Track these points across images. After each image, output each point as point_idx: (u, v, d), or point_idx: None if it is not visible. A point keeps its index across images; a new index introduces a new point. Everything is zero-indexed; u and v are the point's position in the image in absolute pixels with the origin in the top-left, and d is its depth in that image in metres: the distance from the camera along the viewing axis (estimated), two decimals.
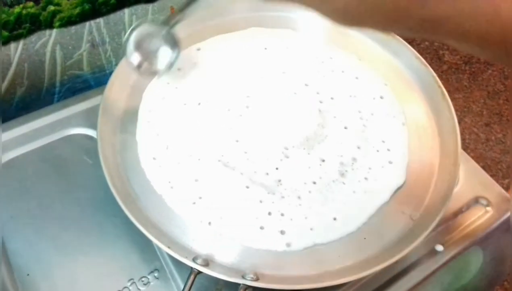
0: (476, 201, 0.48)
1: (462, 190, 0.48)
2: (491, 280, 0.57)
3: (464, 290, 0.52)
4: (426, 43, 1.07)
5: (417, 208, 0.43)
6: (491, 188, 0.49)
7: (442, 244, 0.45)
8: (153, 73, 0.47)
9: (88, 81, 0.63)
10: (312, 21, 0.56)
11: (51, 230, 0.44)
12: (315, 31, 0.55)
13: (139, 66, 0.45)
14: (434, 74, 0.50)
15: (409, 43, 0.53)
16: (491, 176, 0.51)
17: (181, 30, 0.53)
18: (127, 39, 0.45)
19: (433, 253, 0.44)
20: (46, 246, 0.43)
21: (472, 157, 0.52)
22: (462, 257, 0.47)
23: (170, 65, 0.46)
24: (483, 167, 0.51)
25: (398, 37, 0.53)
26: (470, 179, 0.49)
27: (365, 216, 0.42)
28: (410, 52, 0.52)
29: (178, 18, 0.44)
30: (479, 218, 0.47)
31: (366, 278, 0.41)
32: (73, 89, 0.63)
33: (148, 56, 0.45)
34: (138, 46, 0.45)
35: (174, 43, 0.46)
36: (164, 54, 0.46)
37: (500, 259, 0.54)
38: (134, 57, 0.44)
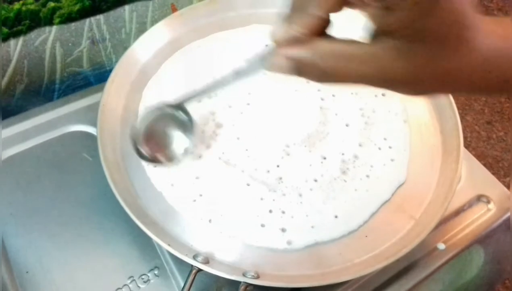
0: (478, 199, 0.48)
1: (464, 188, 0.48)
2: (492, 278, 0.57)
3: (466, 289, 0.52)
4: None
5: (418, 206, 0.43)
6: (493, 186, 0.49)
7: (444, 242, 0.44)
8: (169, 162, 0.41)
9: (88, 78, 0.63)
10: None
11: (50, 228, 0.43)
12: None
13: (152, 159, 0.40)
14: None
15: None
16: (493, 174, 0.50)
17: (181, 27, 0.54)
18: (135, 129, 0.40)
19: (435, 251, 0.44)
20: (46, 244, 0.42)
21: (474, 155, 0.52)
22: (464, 255, 0.46)
23: (187, 151, 0.41)
24: (485, 165, 0.51)
25: None
26: (472, 177, 0.49)
27: (366, 214, 0.42)
28: None
29: (189, 98, 0.39)
30: (481, 216, 0.47)
31: (367, 276, 0.41)
32: (73, 86, 0.62)
33: (161, 146, 0.40)
34: (149, 137, 0.40)
35: (188, 125, 0.41)
36: (179, 140, 0.41)
37: (501, 258, 0.54)
38: (146, 151, 0.39)
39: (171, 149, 0.41)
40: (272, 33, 0.26)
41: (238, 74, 0.30)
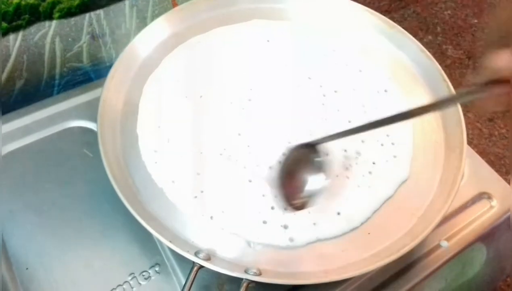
0: (480, 196, 0.47)
1: (467, 185, 0.47)
2: (494, 276, 0.57)
3: (468, 286, 0.52)
4: (429, 37, 1.07)
5: (421, 203, 0.42)
6: (496, 183, 0.49)
7: (447, 240, 0.44)
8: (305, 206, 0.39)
9: (88, 73, 0.63)
10: (315, 13, 0.55)
11: (51, 224, 0.43)
12: (317, 23, 0.55)
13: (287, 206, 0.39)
14: (440, 67, 0.49)
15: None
16: (495, 171, 0.50)
17: (182, 22, 0.53)
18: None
19: (438, 248, 0.44)
20: (46, 240, 0.42)
21: (475, 152, 0.52)
22: (467, 252, 0.46)
23: (319, 193, 0.39)
24: (487, 163, 0.51)
25: (403, 30, 0.53)
26: (475, 174, 0.49)
27: (369, 211, 0.41)
28: (415, 45, 0.51)
29: (327, 140, 0.37)
30: (484, 214, 0.47)
31: (369, 274, 0.41)
32: (72, 81, 0.62)
33: (297, 189, 0.39)
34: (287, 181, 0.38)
35: (320, 166, 0.39)
36: (314, 182, 0.39)
37: (503, 256, 0.54)
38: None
39: (305, 190, 0.39)
40: (490, 63, 0.23)
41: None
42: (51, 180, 0.46)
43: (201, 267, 0.35)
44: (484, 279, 0.54)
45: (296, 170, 0.39)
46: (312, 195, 0.39)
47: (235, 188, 0.41)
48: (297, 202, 0.39)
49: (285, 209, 0.40)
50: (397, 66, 0.51)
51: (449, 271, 0.46)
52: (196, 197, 0.41)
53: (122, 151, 0.43)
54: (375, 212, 0.42)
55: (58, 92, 0.62)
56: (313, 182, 0.39)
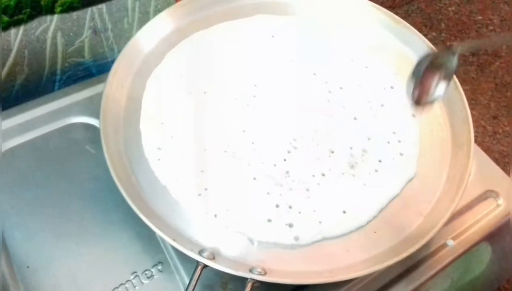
0: (487, 194, 0.47)
1: (474, 183, 0.47)
2: (499, 275, 0.56)
3: (473, 285, 0.51)
4: (433, 33, 1.06)
5: (428, 201, 0.42)
6: (503, 181, 0.48)
7: (453, 239, 0.43)
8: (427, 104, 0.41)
9: (90, 69, 0.62)
10: (320, 9, 0.54)
11: (52, 221, 0.43)
12: (322, 18, 0.54)
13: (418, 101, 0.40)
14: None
15: None
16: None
17: (185, 16, 0.52)
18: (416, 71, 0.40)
19: (444, 247, 0.43)
20: (47, 238, 0.42)
21: (481, 150, 0.51)
22: (472, 251, 0.46)
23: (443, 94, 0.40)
24: None
25: (409, 25, 0.52)
26: (482, 172, 0.48)
27: (375, 209, 0.41)
28: (421, 41, 0.50)
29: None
30: (490, 212, 0.46)
31: (375, 273, 0.40)
32: (74, 77, 0.61)
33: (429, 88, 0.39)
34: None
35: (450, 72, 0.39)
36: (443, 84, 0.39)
37: (508, 255, 0.53)
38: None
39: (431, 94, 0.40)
40: None
41: None
42: (53, 177, 0.45)
43: (205, 266, 0.35)
44: (489, 278, 0.54)
45: (431, 73, 0.40)
46: (435, 100, 0.40)
47: (240, 186, 0.41)
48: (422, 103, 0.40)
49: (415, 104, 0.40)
50: (403, 62, 0.51)
51: (454, 270, 0.45)
52: (200, 194, 0.40)
53: (125, 147, 0.43)
54: (381, 210, 0.41)
55: (60, 88, 0.61)
56: (440, 87, 0.39)
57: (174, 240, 0.35)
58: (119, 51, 0.49)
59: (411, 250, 0.37)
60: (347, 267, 0.37)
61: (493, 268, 0.52)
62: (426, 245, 0.39)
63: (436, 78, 0.40)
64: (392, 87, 0.49)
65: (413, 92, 0.40)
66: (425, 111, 0.45)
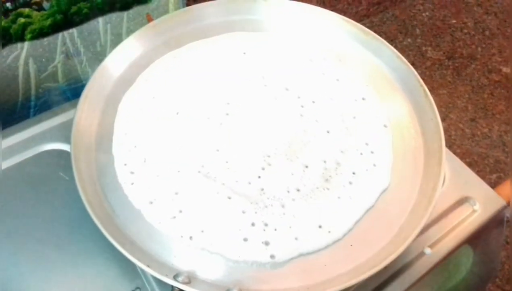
0: (463, 200, 0.47)
1: (449, 190, 0.47)
2: (483, 278, 0.57)
3: (456, 290, 0.52)
4: (409, 40, 1.07)
5: (403, 211, 0.42)
6: (478, 186, 0.49)
7: (430, 247, 0.44)
8: None
9: (65, 93, 0.62)
10: (290, 24, 0.55)
11: (27, 250, 0.42)
12: (293, 34, 0.54)
13: None
14: (416, 73, 0.49)
15: (392, 40, 0.52)
16: (478, 171, 0.50)
17: (156, 37, 0.52)
18: None
19: (422, 256, 0.43)
20: (22, 267, 0.41)
21: (459, 153, 0.52)
22: (452, 257, 0.46)
23: None
24: (470, 163, 0.51)
25: (378, 36, 0.52)
26: (457, 178, 0.49)
27: (351, 222, 0.41)
28: (391, 51, 0.51)
29: None
30: (467, 218, 0.47)
31: (353, 287, 0.40)
32: (49, 102, 0.61)
33: None
34: None
35: None
36: None
37: (491, 257, 0.54)
38: None
39: None
40: None
41: None
42: (27, 205, 0.45)
43: (181, 290, 0.35)
44: (473, 282, 0.54)
45: None
46: None
47: (214, 206, 0.41)
48: None
49: None
50: (374, 73, 0.51)
51: (435, 278, 0.45)
52: (174, 217, 0.40)
53: (98, 173, 0.43)
54: (356, 222, 0.41)
55: (35, 114, 0.61)
56: None
57: (148, 265, 0.35)
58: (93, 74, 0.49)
59: (387, 261, 0.37)
60: (324, 283, 0.37)
61: (476, 272, 0.52)
62: (403, 255, 0.39)
63: None
64: (363, 99, 0.49)
65: None
66: None
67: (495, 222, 0.48)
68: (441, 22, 1.15)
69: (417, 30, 1.10)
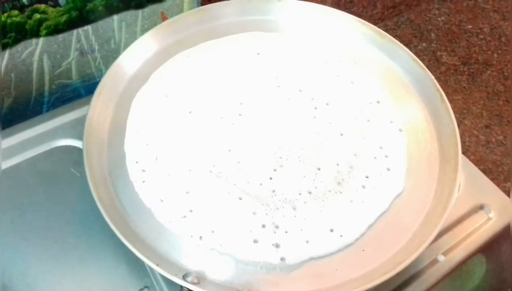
0: (478, 208, 0.46)
1: (464, 197, 0.46)
2: (495, 288, 0.56)
3: None
4: (424, 44, 1.06)
5: (417, 217, 0.41)
6: (493, 194, 0.48)
7: (444, 254, 0.43)
8: None
9: (78, 90, 0.62)
10: (305, 25, 0.55)
11: (36, 246, 0.42)
12: (307, 35, 0.54)
13: None
14: (432, 77, 0.48)
15: (406, 44, 0.51)
16: (492, 179, 0.49)
17: (170, 36, 0.52)
18: None
19: (435, 263, 0.42)
20: (31, 263, 0.41)
21: (473, 160, 0.51)
22: (465, 266, 0.45)
23: None
24: (484, 170, 0.50)
25: (394, 39, 0.52)
26: (472, 185, 0.48)
27: (363, 227, 0.40)
28: (407, 54, 0.50)
29: None
30: (482, 226, 0.46)
31: None
32: (62, 98, 0.61)
33: None
34: None
35: None
36: None
37: (504, 267, 0.52)
38: None
39: None
40: None
41: None
42: (38, 201, 0.45)
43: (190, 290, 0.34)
44: None
45: None
46: None
47: (225, 206, 0.40)
48: None
49: None
50: (389, 76, 0.51)
51: (447, 286, 0.44)
52: (185, 216, 0.40)
53: (109, 170, 0.42)
54: (369, 227, 0.40)
55: (48, 110, 0.61)
56: None
57: (157, 264, 0.35)
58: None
59: (400, 267, 0.36)
60: (334, 288, 0.37)
61: (488, 281, 0.51)
62: (416, 262, 0.38)
63: None
64: (378, 102, 0.48)
65: None
66: None
67: (510, 231, 0.47)
68: (457, 27, 1.14)
69: (432, 35, 1.09)
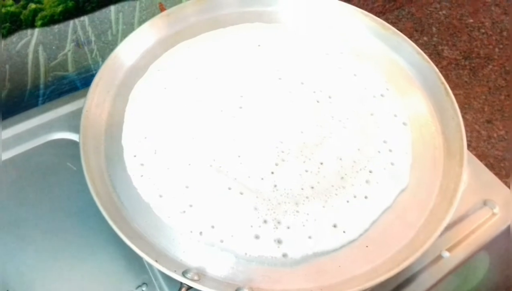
0: (483, 203, 0.46)
1: (468, 192, 0.46)
2: (498, 284, 0.55)
3: None
4: (425, 38, 1.05)
5: (421, 213, 0.40)
6: (498, 189, 0.47)
7: (449, 250, 0.42)
8: None
9: (74, 82, 0.61)
10: (306, 16, 0.53)
11: (33, 242, 0.41)
12: (309, 26, 0.53)
13: None
14: (437, 70, 0.47)
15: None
16: (494, 174, 0.48)
17: (168, 27, 0.51)
18: None
19: (439, 259, 0.42)
20: (27, 259, 0.40)
21: (474, 155, 0.50)
22: (469, 262, 0.44)
23: None
24: (486, 165, 0.49)
25: (398, 31, 0.51)
26: (476, 180, 0.47)
27: (367, 223, 0.39)
28: (411, 47, 0.49)
29: None
30: (486, 221, 0.45)
31: (368, 289, 0.39)
32: (58, 91, 0.60)
33: None
34: None
35: None
36: None
37: (507, 263, 0.52)
38: None
39: None
40: None
41: None
42: (34, 195, 0.44)
43: (190, 287, 0.33)
44: (488, 288, 0.53)
45: None
46: None
47: (226, 201, 0.39)
48: None
49: None
50: (392, 69, 0.50)
51: (451, 282, 0.44)
52: (184, 211, 0.39)
53: (107, 164, 0.41)
54: (373, 223, 0.40)
55: (44, 102, 0.60)
56: None
57: (156, 261, 0.34)
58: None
59: (404, 264, 0.35)
60: (338, 284, 0.36)
61: (492, 278, 0.51)
62: (421, 258, 0.37)
63: None
64: (382, 95, 0.47)
65: None
66: None
67: None
68: (458, 21, 1.12)
69: (434, 29, 1.08)
